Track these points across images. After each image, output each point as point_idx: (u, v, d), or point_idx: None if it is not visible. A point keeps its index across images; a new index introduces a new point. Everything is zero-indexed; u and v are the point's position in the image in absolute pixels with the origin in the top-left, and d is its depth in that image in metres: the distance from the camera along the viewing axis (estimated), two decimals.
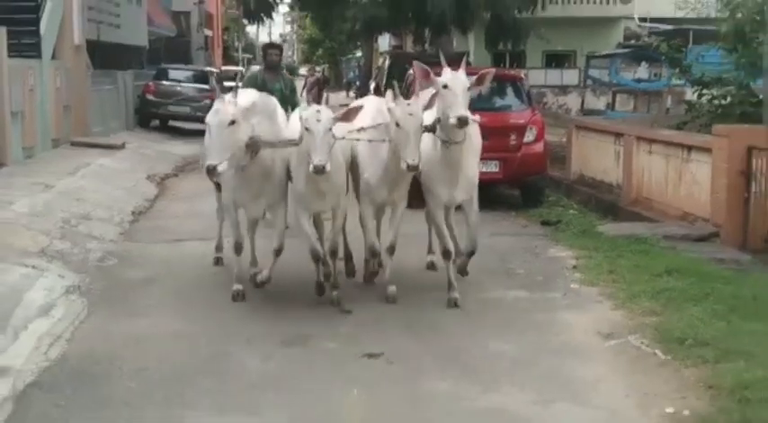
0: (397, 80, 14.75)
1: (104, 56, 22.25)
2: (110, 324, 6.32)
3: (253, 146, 6.30)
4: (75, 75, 17.30)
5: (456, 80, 6.38)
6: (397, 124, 6.21)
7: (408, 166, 6.15)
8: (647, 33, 29.57)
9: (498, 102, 12.29)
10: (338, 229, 7.00)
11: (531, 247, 8.96)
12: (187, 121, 23.50)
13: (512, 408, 4.83)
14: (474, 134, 6.94)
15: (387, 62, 17.36)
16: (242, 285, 6.93)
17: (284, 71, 10.08)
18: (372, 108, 6.84)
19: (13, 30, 13.51)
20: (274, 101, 7.00)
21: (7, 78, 12.88)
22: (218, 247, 8.18)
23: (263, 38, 69.88)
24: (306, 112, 6.18)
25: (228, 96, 6.22)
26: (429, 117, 6.57)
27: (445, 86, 6.35)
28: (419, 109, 6.31)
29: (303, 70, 49.95)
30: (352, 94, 41.79)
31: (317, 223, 7.24)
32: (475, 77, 6.58)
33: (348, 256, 7.71)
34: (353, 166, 7.03)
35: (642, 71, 20.06)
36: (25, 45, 14.67)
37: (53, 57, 16.13)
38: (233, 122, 6.05)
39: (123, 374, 5.29)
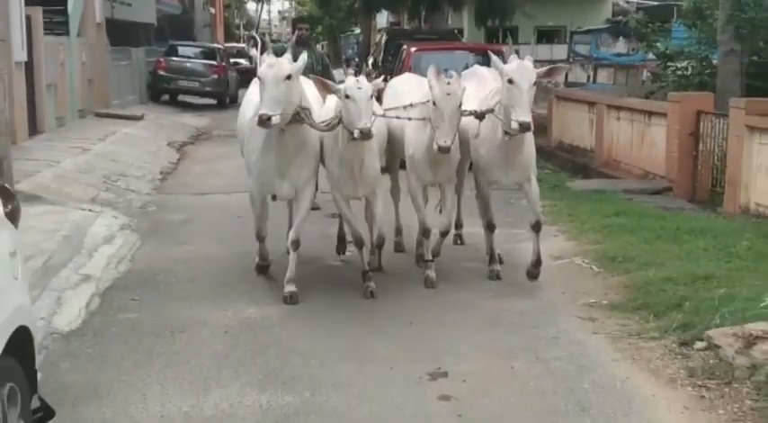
0: (393, 56, 16.32)
1: (117, 33, 23.69)
2: (160, 250, 7.91)
3: (296, 117, 6.01)
4: (96, 51, 18.82)
5: (523, 74, 5.95)
6: (434, 103, 6.02)
7: (440, 148, 5.96)
8: (634, 9, 30.98)
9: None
10: (378, 217, 6.68)
11: (506, 198, 10.49)
12: (196, 95, 25.05)
13: (474, 300, 6.42)
14: None
15: (383, 39, 18.76)
16: (294, 286, 6.34)
17: (316, 46, 9.64)
18: (419, 85, 6.66)
19: (45, 9, 15.01)
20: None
21: (43, 54, 14.39)
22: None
23: (264, 16, 71.41)
24: (345, 82, 5.98)
25: (287, 55, 5.96)
26: (477, 97, 6.41)
27: (510, 81, 5.94)
28: (458, 89, 6.02)
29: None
30: (350, 70, 43.00)
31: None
32: (544, 70, 6.30)
33: (397, 230, 7.77)
34: (394, 144, 6.89)
35: (621, 46, 21.46)
36: (55, 23, 16.17)
37: (78, 34, 17.62)
38: (289, 77, 5.82)
39: (179, 282, 6.87)
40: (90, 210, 9.06)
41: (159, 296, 6.49)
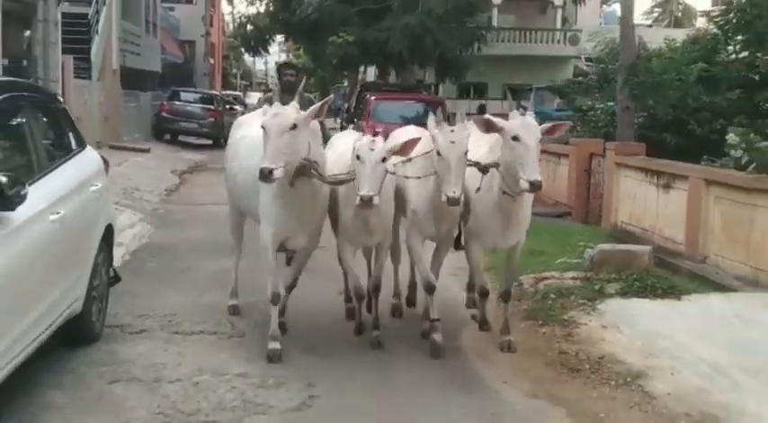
0: (358, 102, 19.56)
1: (128, 79, 27.01)
2: (170, 233, 11.01)
3: (303, 170, 5.70)
4: (111, 93, 22.09)
5: (529, 131, 5.65)
6: (439, 153, 5.64)
7: (448, 199, 5.57)
8: (593, 71, 34.56)
9: (424, 120, 17.06)
10: (381, 265, 6.52)
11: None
12: (195, 135, 28.28)
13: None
14: None
15: (357, 90, 22.02)
16: (278, 343, 6.06)
17: (304, 94, 9.13)
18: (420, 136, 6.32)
19: (74, 57, 18.28)
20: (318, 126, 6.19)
21: (72, 93, 17.62)
22: (234, 293, 7.29)
23: (260, 66, 75.24)
24: (359, 141, 5.68)
25: (293, 103, 5.75)
26: (476, 149, 6.01)
27: (515, 138, 5.62)
28: (463, 137, 5.65)
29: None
30: (338, 120, 46.49)
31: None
32: (548, 126, 5.97)
33: (397, 294, 7.48)
34: (397, 197, 6.48)
35: (558, 102, 24.69)
36: (81, 69, 19.42)
37: (98, 78, 20.90)
38: (294, 126, 5.46)
39: (182, 249, 9.94)
40: (116, 208, 12.13)
41: (169, 256, 9.57)
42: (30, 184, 4.63)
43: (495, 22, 35.53)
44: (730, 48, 16.70)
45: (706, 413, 5.19)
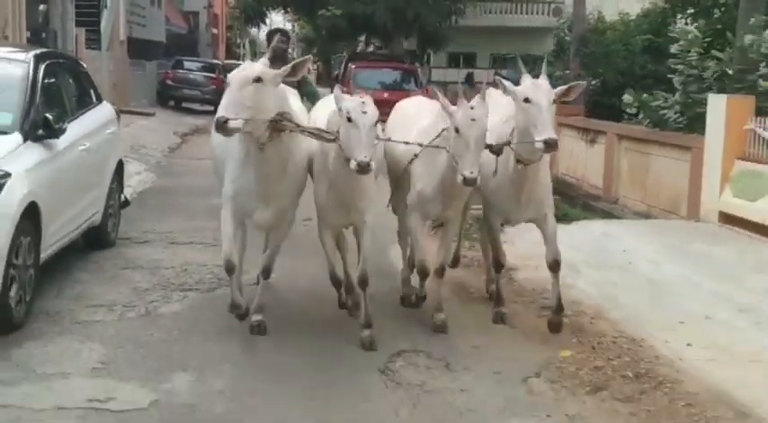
0: (345, 70, 21.55)
1: (134, 49, 29.01)
2: (170, 180, 13.14)
3: (278, 125, 5.26)
4: (120, 62, 24.11)
5: (540, 91, 5.42)
6: (457, 130, 5.30)
7: (465, 180, 5.22)
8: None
9: (402, 85, 19.18)
10: (366, 252, 5.88)
11: None
12: (197, 102, 30.29)
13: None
14: None
15: (345, 59, 23.96)
16: (261, 315, 5.91)
17: (308, 77, 8.45)
18: (430, 110, 6.04)
19: (86, 29, 20.29)
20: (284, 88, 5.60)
21: (85, 63, 19.63)
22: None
23: (263, 35, 77.01)
24: (348, 102, 5.18)
25: (263, 59, 5.32)
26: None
27: (527, 100, 5.40)
28: (483, 114, 5.32)
29: None
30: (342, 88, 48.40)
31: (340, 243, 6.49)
32: (564, 88, 5.68)
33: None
34: (401, 178, 6.20)
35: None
36: (91, 40, 21.44)
37: (107, 49, 22.93)
38: (259, 79, 5.06)
39: (183, 192, 12.05)
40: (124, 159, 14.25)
41: (168, 195, 11.70)
42: (66, 123, 6.73)
43: None
44: (681, 21, 18.63)
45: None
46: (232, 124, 4.94)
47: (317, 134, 5.45)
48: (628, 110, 12.52)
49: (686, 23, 18.56)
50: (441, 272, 6.24)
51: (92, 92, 8.29)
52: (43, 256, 6.25)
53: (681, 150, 10.96)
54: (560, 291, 6.25)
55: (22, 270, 5.74)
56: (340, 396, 4.97)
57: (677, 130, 11.67)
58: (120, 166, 8.62)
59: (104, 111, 8.41)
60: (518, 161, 5.73)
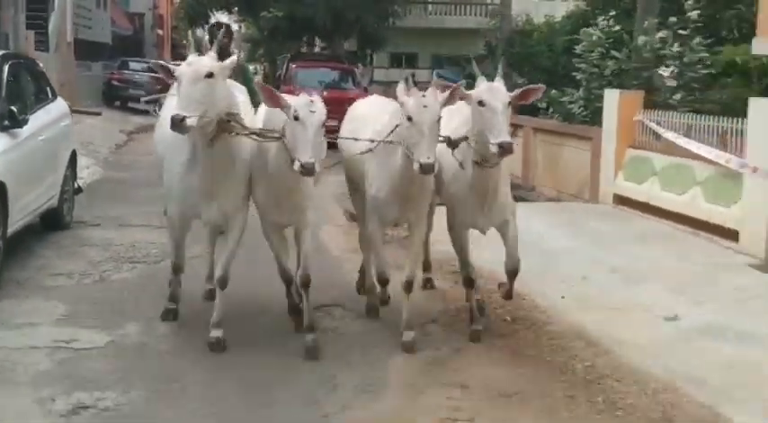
0: (287, 70, 22.53)
1: (80, 50, 29.61)
2: (117, 173, 14.05)
3: (227, 125, 5.25)
4: (66, 64, 24.74)
5: (495, 95, 5.33)
6: (410, 118, 5.17)
7: (422, 167, 5.03)
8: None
9: (340, 84, 20.23)
10: (306, 252, 5.80)
11: None
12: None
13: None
14: None
15: (287, 59, 24.90)
16: (221, 332, 5.69)
17: (245, 64, 8.65)
18: (385, 111, 5.86)
19: (35, 31, 20.96)
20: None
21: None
22: (210, 277, 6.56)
23: (206, 39, 77.31)
24: (297, 99, 5.11)
25: (210, 53, 5.25)
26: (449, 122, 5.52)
27: (481, 103, 5.30)
28: (435, 101, 5.23)
29: None
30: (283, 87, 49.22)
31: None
32: (518, 91, 5.60)
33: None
34: (356, 182, 6.19)
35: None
36: (39, 42, 22.09)
37: (55, 50, 23.59)
38: (211, 75, 5.02)
39: (130, 183, 12.95)
40: None
41: (118, 186, 12.63)
42: (29, 115, 7.66)
43: None
44: (604, 22, 19.89)
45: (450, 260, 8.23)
46: (189, 122, 4.83)
47: (262, 135, 5.34)
48: (539, 105, 13.73)
49: (608, 25, 19.91)
50: (409, 286, 5.91)
51: (48, 89, 9.19)
52: (10, 231, 7.17)
53: (583, 141, 12.18)
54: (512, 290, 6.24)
55: None
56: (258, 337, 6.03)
57: (583, 123, 12.90)
58: (73, 156, 9.54)
59: (59, 106, 9.32)
60: (476, 163, 5.56)
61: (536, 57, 19.87)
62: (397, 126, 5.39)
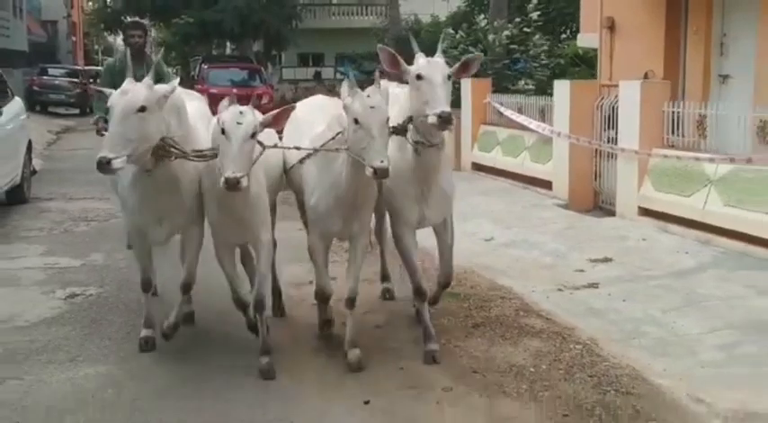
0: (199, 71, 24.73)
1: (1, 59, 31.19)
2: (55, 164, 16.16)
3: (163, 151, 4.96)
4: None
5: (433, 68, 5.03)
6: (356, 121, 4.76)
7: (376, 171, 4.63)
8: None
9: (249, 82, 22.62)
10: (263, 274, 5.48)
11: None
12: (63, 106, 32.71)
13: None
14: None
15: (200, 60, 27.06)
16: (152, 330, 5.71)
17: (151, 56, 8.38)
18: (325, 113, 5.56)
19: None
20: (181, 95, 5.33)
21: None
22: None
23: (120, 41, 78.42)
24: (226, 112, 4.82)
25: (147, 79, 4.90)
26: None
27: (419, 77, 5.00)
28: (382, 101, 4.84)
29: None
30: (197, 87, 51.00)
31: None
32: (459, 64, 5.27)
33: (277, 292, 6.49)
34: (294, 187, 5.90)
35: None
36: None
37: None
38: (143, 109, 4.72)
39: (69, 170, 15.07)
40: None
41: (58, 173, 14.77)
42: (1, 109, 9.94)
43: None
44: (485, 20, 22.62)
45: None
46: (115, 164, 4.59)
47: (201, 156, 5.09)
48: None
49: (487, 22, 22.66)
50: (350, 302, 5.54)
51: (8, 90, 11.40)
52: None
53: None
54: (428, 318, 5.66)
55: None
56: None
57: None
58: (29, 144, 11.75)
59: (17, 103, 11.55)
60: (415, 144, 5.22)
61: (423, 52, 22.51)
62: (338, 133, 5.08)
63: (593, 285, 7.19)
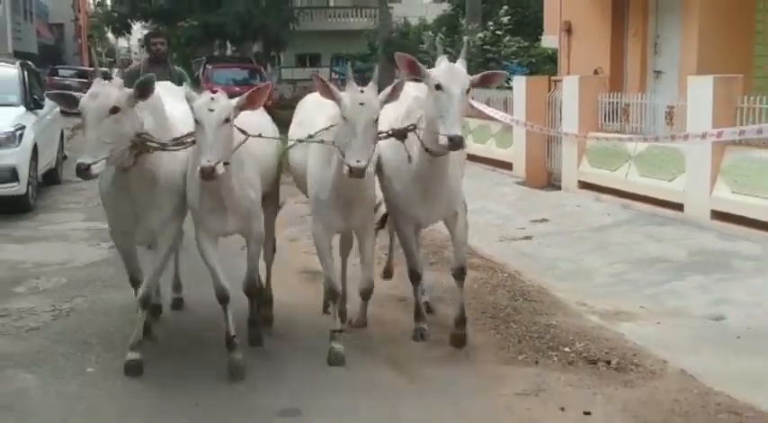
0: (203, 71, 26.53)
1: None
2: (77, 155, 17.91)
3: (139, 146, 4.79)
4: None
5: (454, 78, 4.81)
6: (344, 117, 4.70)
7: (351, 170, 4.57)
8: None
9: (250, 81, 24.46)
10: (253, 262, 5.44)
11: None
12: None
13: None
14: None
15: (204, 61, 28.79)
16: (138, 354, 5.28)
17: (173, 66, 8.72)
18: (323, 107, 5.29)
19: None
20: (157, 92, 5.00)
21: None
22: (177, 287, 6.74)
23: (122, 43, 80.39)
24: (198, 100, 4.69)
25: (116, 79, 4.81)
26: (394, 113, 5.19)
27: (438, 86, 4.79)
28: (374, 99, 4.72)
29: None
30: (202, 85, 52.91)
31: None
32: (479, 76, 5.10)
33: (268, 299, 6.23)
34: (298, 182, 5.78)
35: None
36: None
37: None
38: (115, 109, 4.61)
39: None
40: None
41: None
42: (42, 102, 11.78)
43: (331, 1, 43.64)
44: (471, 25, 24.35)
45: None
46: (94, 170, 4.53)
47: (178, 144, 5.02)
48: None
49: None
50: (366, 293, 5.77)
51: (42, 85, 13.23)
52: (39, 174, 11.27)
53: None
54: (464, 301, 5.73)
55: (33, 179, 10.77)
56: None
57: None
58: (61, 134, 13.58)
59: (49, 102, 13.37)
60: (427, 151, 5.05)
61: (410, 53, 24.33)
62: (332, 125, 5.03)
63: (528, 238, 9.04)
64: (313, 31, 39.21)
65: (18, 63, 12.05)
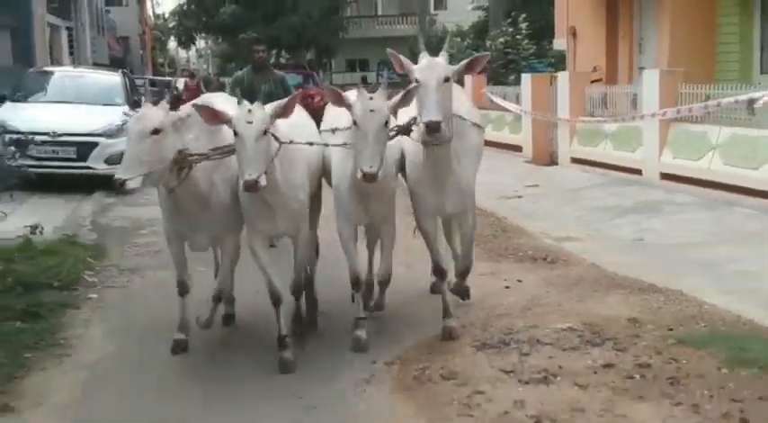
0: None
1: None
2: None
3: (181, 162, 5.01)
4: None
5: (429, 71, 5.01)
6: (356, 123, 4.89)
7: (365, 176, 4.77)
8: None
9: (303, 85, 27.15)
10: (301, 264, 5.68)
11: None
12: None
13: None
14: (470, 133, 5.64)
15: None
16: (185, 334, 5.68)
17: (274, 70, 9.10)
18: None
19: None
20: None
21: None
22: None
23: (182, 54, 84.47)
24: (236, 112, 4.85)
25: (163, 103, 5.06)
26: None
27: (417, 80, 5.01)
28: (383, 105, 4.89)
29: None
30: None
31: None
32: (464, 63, 5.31)
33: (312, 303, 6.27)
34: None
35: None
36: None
37: None
38: (157, 131, 4.84)
39: None
40: None
41: None
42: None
43: (379, 10, 46.67)
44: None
45: None
46: (130, 185, 4.77)
47: (220, 153, 5.15)
48: None
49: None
50: (383, 284, 5.98)
51: (136, 91, 16.22)
52: None
53: None
54: (447, 299, 5.85)
55: None
56: None
57: None
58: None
59: None
60: (423, 142, 5.23)
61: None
62: (349, 127, 5.14)
63: (519, 196, 11.70)
64: (362, 38, 42.08)
65: (120, 71, 14.95)
